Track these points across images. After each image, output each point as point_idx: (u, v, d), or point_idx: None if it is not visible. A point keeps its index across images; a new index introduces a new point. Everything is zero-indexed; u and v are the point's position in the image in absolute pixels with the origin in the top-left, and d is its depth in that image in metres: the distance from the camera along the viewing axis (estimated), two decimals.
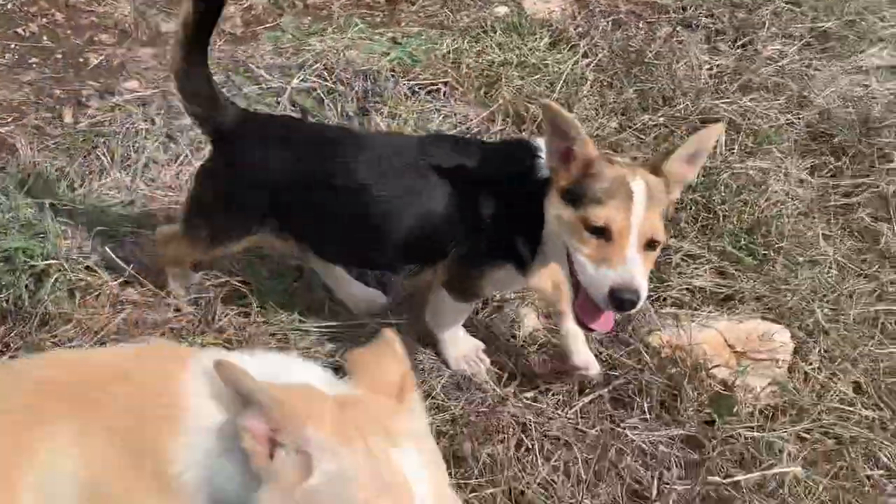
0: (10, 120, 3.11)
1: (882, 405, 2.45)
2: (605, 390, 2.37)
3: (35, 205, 2.67)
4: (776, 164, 3.23)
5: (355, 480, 1.17)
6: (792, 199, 3.11)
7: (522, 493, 2.09)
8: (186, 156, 3.00)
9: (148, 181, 2.93)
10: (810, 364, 2.49)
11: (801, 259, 2.86)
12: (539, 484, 2.11)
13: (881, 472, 2.29)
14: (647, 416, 2.32)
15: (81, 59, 3.52)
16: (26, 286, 2.42)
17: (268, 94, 3.31)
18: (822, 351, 2.55)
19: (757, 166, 3.17)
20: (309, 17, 3.93)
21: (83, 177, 2.90)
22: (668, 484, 2.16)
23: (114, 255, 2.53)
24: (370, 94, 3.33)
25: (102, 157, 2.95)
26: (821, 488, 2.17)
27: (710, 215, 2.97)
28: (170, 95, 3.18)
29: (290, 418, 1.19)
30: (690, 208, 2.99)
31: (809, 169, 3.31)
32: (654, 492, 2.14)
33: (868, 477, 2.25)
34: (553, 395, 2.36)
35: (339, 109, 3.28)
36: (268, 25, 3.86)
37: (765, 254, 2.85)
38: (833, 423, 2.34)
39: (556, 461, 2.17)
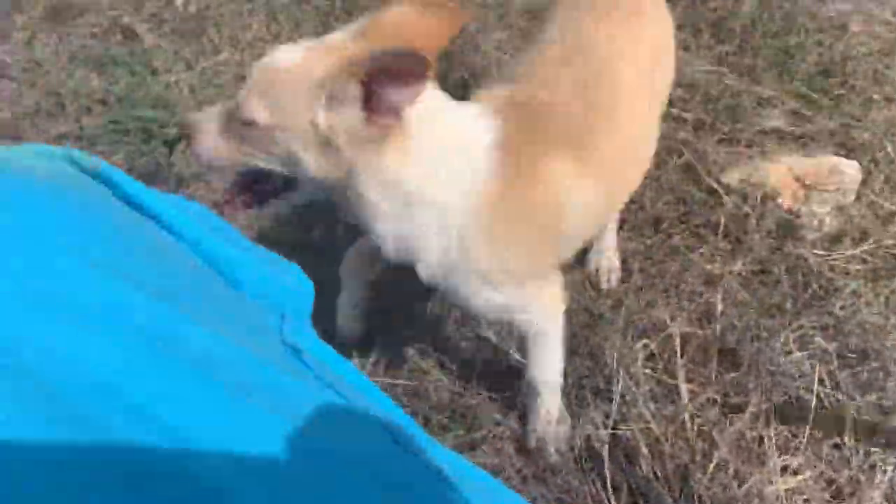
0: (131, 10, 3.46)
1: None
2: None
3: (160, 82, 3.04)
4: (856, 7, 3.23)
5: None
6: (873, 38, 3.13)
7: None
8: (288, 32, 3.28)
9: (255, 57, 3.23)
10: (877, 193, 2.61)
11: (876, 97, 2.91)
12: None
13: None
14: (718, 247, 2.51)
15: None
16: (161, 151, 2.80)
17: None
18: (890, 180, 2.65)
19: (836, 9, 3.19)
20: None
21: (197, 56, 3.23)
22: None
23: None
24: None
25: (214, 38, 3.27)
26: (882, 299, 2.33)
27: (787, 56, 3.03)
28: None
29: None
30: (766, 51, 3.05)
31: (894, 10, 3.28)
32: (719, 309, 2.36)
33: None
34: None
35: None
36: None
37: (840, 94, 2.92)
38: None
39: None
